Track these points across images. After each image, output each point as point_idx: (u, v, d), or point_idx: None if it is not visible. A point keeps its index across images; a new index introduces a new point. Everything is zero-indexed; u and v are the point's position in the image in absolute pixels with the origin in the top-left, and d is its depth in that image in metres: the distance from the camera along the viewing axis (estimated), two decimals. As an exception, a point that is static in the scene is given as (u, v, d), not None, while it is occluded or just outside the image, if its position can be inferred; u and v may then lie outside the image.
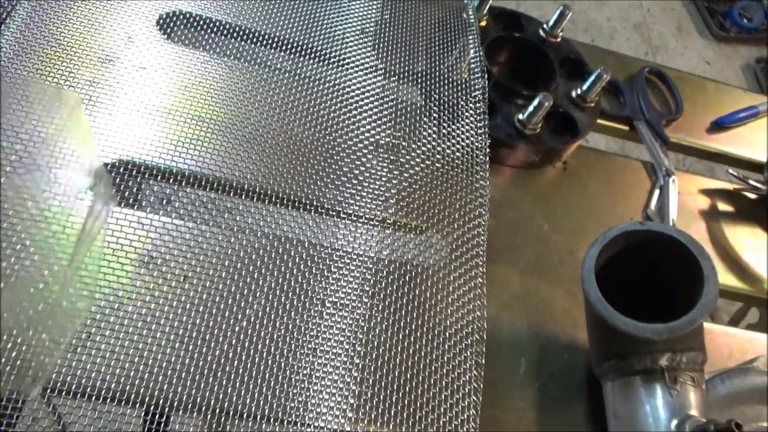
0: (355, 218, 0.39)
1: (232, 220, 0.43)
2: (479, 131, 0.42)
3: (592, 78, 0.56)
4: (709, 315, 0.38)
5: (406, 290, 0.36)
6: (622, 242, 0.42)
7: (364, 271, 0.36)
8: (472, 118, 0.43)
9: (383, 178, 0.40)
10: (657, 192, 0.59)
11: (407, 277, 0.36)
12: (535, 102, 0.52)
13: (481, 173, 0.41)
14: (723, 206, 0.62)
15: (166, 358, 0.31)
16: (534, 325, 0.48)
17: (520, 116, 0.53)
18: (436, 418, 0.31)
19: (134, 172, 0.43)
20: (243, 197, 0.44)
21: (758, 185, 0.61)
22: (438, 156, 0.41)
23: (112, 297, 0.36)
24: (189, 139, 0.46)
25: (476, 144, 0.41)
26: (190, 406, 0.30)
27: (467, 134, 0.42)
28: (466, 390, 0.32)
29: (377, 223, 0.39)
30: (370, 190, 0.40)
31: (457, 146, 0.41)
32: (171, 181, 0.44)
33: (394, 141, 0.41)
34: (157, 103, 0.46)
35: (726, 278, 0.57)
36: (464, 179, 0.41)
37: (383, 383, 0.31)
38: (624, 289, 0.40)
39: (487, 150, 0.41)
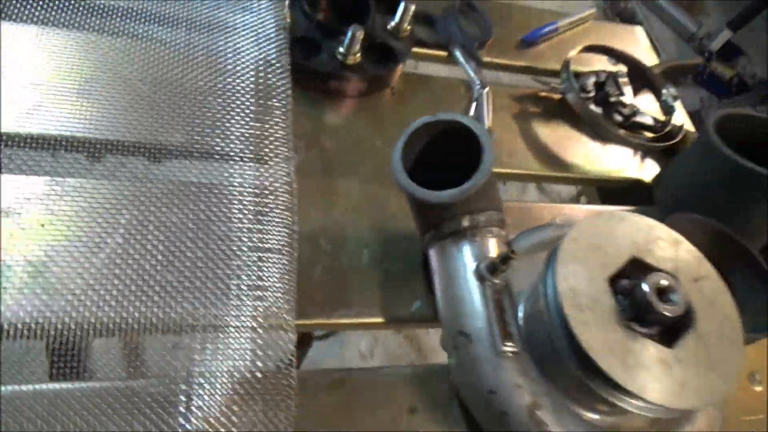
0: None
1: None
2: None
3: (401, 9, 0.64)
4: (489, 177, 0.47)
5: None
6: (425, 134, 0.50)
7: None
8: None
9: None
10: (474, 104, 0.69)
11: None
12: (348, 34, 0.59)
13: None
14: (532, 108, 0.73)
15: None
16: (375, 224, 0.56)
17: (341, 49, 0.60)
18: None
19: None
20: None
21: (557, 86, 0.73)
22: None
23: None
24: (37, 105, 0.50)
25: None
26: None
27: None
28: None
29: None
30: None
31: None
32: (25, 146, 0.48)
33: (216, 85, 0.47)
34: None
35: (541, 166, 0.68)
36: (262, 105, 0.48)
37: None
38: (440, 176, 0.48)
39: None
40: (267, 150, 0.48)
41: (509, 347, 0.43)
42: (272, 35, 0.54)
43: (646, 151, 0.72)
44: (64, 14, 0.55)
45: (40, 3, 0.54)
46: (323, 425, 0.44)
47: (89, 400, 0.39)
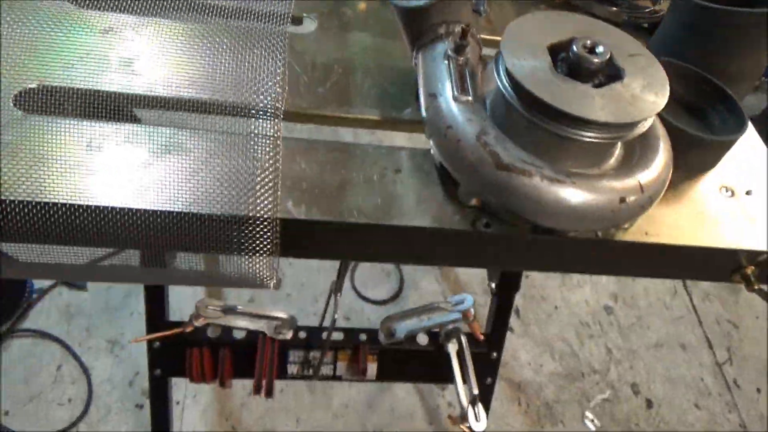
0: None
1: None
2: None
3: None
4: None
5: None
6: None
7: None
8: None
9: None
10: (476, -6, 0.82)
11: None
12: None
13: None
14: (530, 1, 0.85)
15: None
16: (379, 61, 0.70)
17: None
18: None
19: None
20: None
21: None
22: None
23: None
24: None
25: None
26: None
27: None
28: None
29: None
30: None
31: None
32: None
33: None
34: None
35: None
36: None
37: None
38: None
39: None
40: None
41: (463, 97, 0.54)
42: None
43: (635, 28, 0.81)
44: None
45: None
46: (322, 174, 0.56)
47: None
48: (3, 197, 0.46)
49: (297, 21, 0.73)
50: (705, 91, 0.69)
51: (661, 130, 0.58)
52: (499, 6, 0.83)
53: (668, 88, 0.53)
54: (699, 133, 0.62)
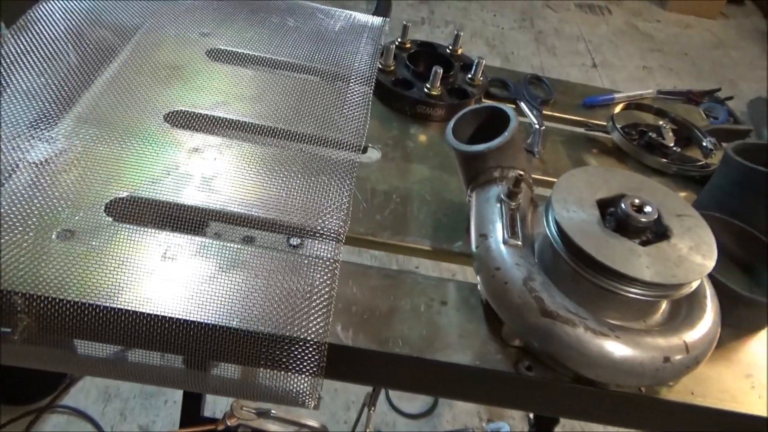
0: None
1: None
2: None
3: (475, 63, 0.88)
4: (512, 139, 0.64)
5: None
6: (473, 119, 0.69)
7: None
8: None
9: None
10: (532, 135, 0.87)
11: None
12: (432, 71, 0.83)
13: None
14: (582, 145, 0.89)
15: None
16: (435, 193, 0.74)
17: (427, 84, 0.84)
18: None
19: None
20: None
21: (603, 132, 0.89)
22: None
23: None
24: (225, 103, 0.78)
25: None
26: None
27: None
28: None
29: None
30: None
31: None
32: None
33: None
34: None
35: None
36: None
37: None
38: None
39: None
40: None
41: (513, 240, 0.57)
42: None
43: (685, 179, 0.84)
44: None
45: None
46: (372, 299, 0.59)
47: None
48: (86, 300, 0.51)
49: (363, 150, 0.79)
50: (755, 248, 0.70)
51: (708, 289, 0.58)
52: (553, 146, 0.88)
53: (716, 251, 0.54)
54: (749, 294, 0.62)
